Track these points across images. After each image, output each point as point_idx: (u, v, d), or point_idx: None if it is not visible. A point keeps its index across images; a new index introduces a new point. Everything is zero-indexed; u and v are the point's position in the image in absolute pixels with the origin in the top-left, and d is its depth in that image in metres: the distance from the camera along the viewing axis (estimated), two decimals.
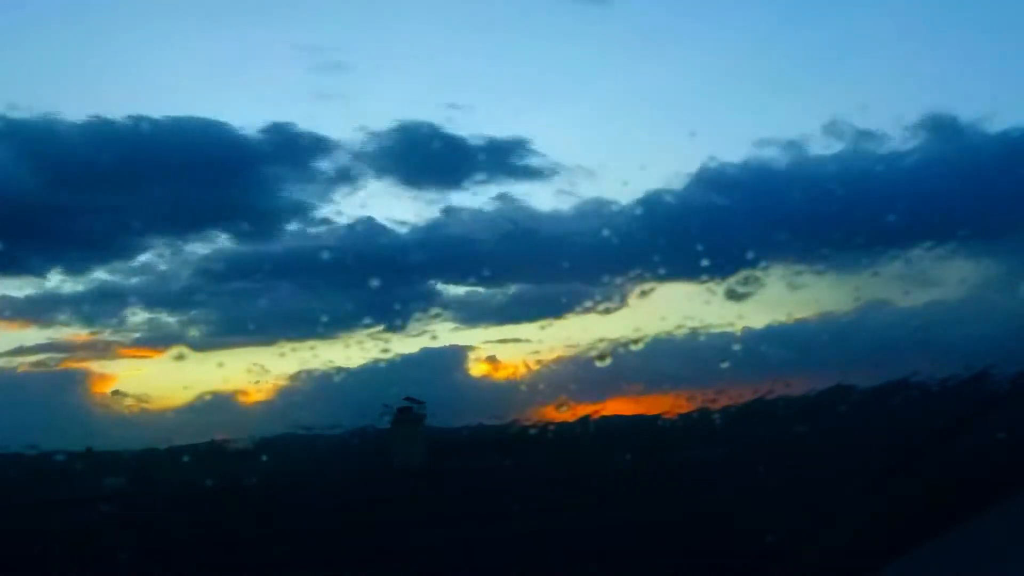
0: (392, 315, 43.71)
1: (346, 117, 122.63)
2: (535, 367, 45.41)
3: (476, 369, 54.60)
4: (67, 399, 48.64)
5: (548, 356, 52.82)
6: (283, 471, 32.67)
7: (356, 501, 27.92)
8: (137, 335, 58.76)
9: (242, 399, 45.75)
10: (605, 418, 33.38)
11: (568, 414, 31.98)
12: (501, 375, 51.64)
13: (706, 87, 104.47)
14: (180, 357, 55.83)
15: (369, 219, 64.53)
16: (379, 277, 52.30)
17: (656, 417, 30.97)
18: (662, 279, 37.61)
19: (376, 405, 39.64)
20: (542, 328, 56.77)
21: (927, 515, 4.86)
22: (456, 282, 57.34)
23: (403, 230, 63.02)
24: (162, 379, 75.10)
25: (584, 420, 32.47)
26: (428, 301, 53.45)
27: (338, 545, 20.51)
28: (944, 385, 19.63)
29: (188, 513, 25.68)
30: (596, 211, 59.93)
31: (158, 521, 24.35)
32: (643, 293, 40.05)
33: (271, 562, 18.60)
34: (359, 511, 25.85)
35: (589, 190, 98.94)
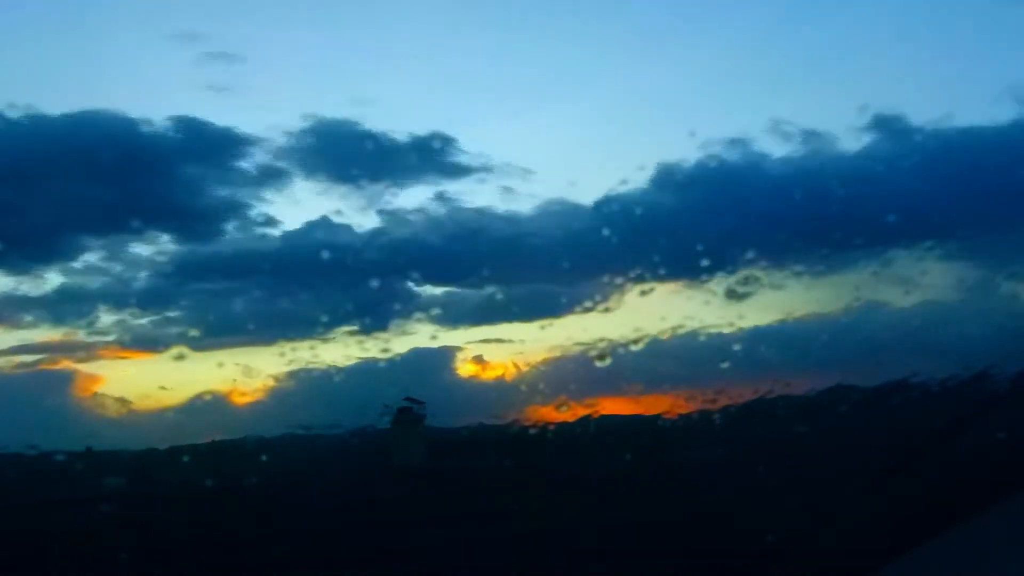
0: (372, 316, 43.54)
1: (257, 112, 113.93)
2: (526, 368, 45.36)
3: (464, 370, 54.24)
4: (50, 400, 48.47)
5: (537, 357, 52.83)
6: (283, 471, 32.68)
7: (356, 501, 27.92)
8: (113, 337, 58.40)
9: (229, 400, 45.72)
10: (605, 418, 33.40)
11: (568, 414, 32.00)
12: (489, 375, 51.47)
13: (630, 79, 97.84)
14: (180, 357, 55.49)
15: (324, 219, 63.59)
16: (350, 278, 52.47)
17: (656, 417, 30.99)
18: (661, 279, 37.54)
19: (362, 406, 39.53)
20: (542, 328, 56.54)
21: (927, 515, 4.86)
22: (433, 282, 56.40)
23: (364, 231, 62.41)
24: (143, 380, 74.87)
25: (584, 420, 32.50)
26: (407, 302, 52.68)
27: (338, 545, 20.50)
28: (944, 385, 19.64)
29: (188, 513, 25.69)
30: (561, 211, 59.67)
31: (158, 521, 24.36)
32: (643, 293, 39.96)
33: (271, 562, 18.60)
34: (359, 511, 25.86)
35: (528, 188, 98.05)
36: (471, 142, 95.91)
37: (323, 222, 61.51)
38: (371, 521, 23.75)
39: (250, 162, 73.35)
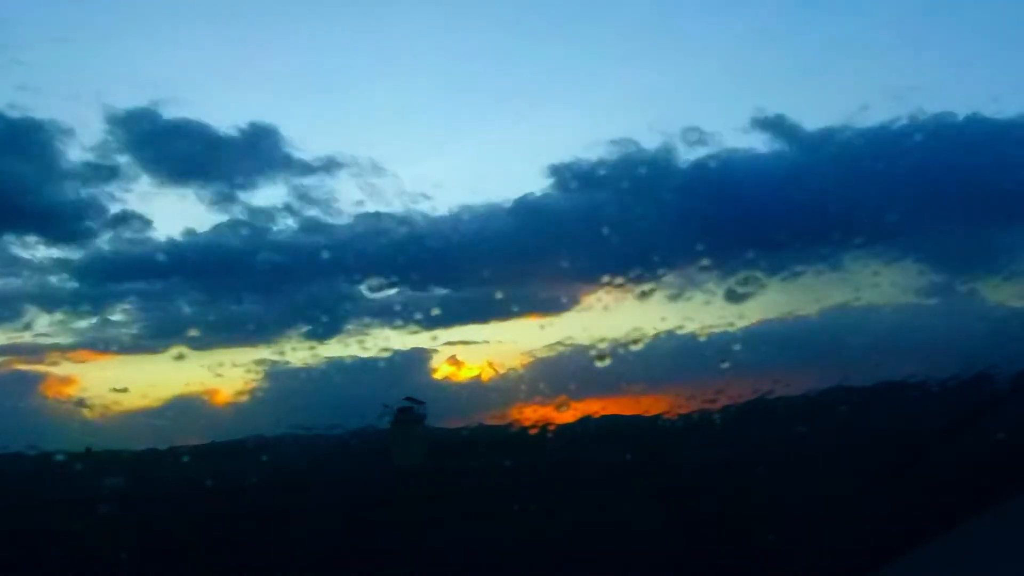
0: (317, 320, 43.14)
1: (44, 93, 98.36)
2: (521, 368, 45.28)
3: (465, 371, 53.93)
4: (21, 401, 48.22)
5: (535, 357, 52.66)
6: (283, 471, 32.67)
7: (356, 502, 27.92)
8: (79, 339, 57.35)
9: (214, 401, 45.66)
10: (605, 418, 33.34)
11: (568, 414, 31.96)
12: (463, 376, 51.18)
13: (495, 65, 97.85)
14: (180, 357, 55.13)
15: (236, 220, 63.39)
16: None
17: (656, 417, 30.94)
18: (658, 280, 37.46)
19: (348, 406, 39.44)
20: (541, 328, 56.35)
21: (927, 515, 4.86)
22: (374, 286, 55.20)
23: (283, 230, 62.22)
24: (130, 381, 74.21)
25: (584, 420, 32.44)
26: (341, 303, 51.33)
27: (338, 545, 20.50)
28: (944, 385, 19.66)
29: (188, 513, 25.67)
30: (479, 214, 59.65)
31: (158, 521, 24.34)
32: (643, 294, 40.01)
33: (271, 562, 18.59)
34: (359, 511, 25.85)
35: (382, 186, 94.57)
36: (297, 136, 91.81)
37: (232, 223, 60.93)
38: (371, 521, 23.74)
39: (76, 156, 69.52)
